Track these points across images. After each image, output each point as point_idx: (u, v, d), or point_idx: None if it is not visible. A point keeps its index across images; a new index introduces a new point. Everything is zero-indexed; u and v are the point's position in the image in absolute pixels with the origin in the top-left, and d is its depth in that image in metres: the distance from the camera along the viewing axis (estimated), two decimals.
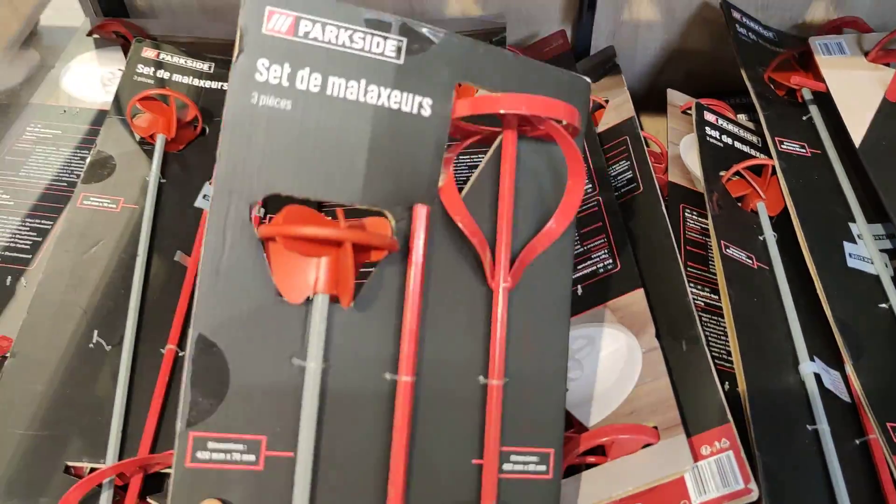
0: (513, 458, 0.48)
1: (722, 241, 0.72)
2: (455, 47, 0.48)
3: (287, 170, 0.45)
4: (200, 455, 0.41)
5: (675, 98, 0.95)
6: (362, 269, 0.46)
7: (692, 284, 0.70)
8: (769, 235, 0.75)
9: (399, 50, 0.47)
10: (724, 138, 0.86)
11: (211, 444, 0.41)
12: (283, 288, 0.44)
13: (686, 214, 0.80)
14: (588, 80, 0.55)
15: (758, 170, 0.81)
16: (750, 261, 0.73)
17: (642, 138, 0.82)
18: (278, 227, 0.43)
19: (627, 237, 0.71)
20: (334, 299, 0.44)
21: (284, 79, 0.44)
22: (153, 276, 0.69)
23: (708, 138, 0.85)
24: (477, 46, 0.49)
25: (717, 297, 0.73)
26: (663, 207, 0.73)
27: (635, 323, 0.62)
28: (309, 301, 0.44)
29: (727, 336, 0.69)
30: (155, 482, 0.61)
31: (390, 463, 0.44)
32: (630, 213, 0.75)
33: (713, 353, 0.63)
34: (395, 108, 0.47)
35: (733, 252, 0.72)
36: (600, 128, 0.86)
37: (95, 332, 0.64)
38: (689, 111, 0.93)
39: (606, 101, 0.90)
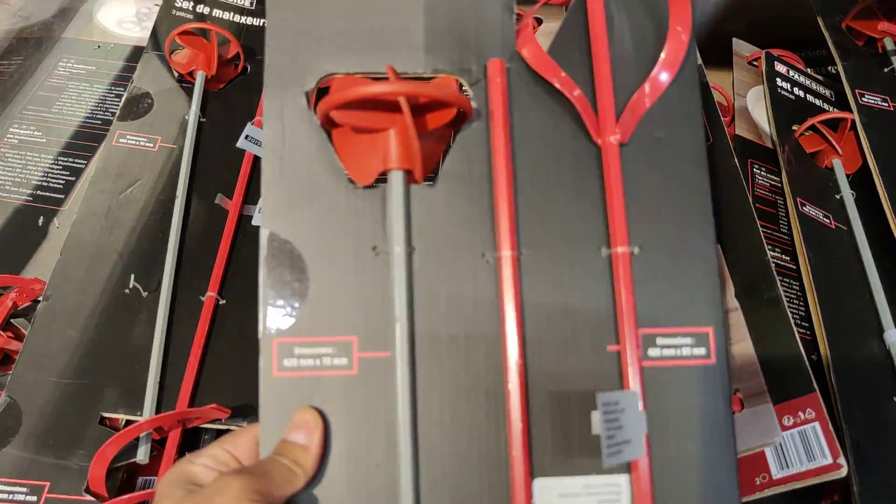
0: (659, 341, 0.39)
1: (798, 199, 0.67)
2: None
3: (338, 48, 0.41)
4: (287, 363, 0.38)
5: (742, 48, 0.89)
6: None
7: None
8: (847, 194, 0.70)
9: None
10: (796, 91, 0.80)
11: (298, 350, 0.38)
12: (351, 171, 0.40)
13: (754, 170, 0.75)
14: None
15: (833, 125, 0.76)
16: (827, 220, 0.68)
17: (709, 83, 0.77)
18: (329, 98, 0.38)
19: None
20: (411, 180, 0.40)
21: None
22: (192, 219, 0.65)
23: (778, 90, 0.79)
24: None
25: (788, 258, 0.68)
26: (735, 161, 0.68)
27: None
28: (383, 183, 0.40)
29: (801, 300, 0.64)
30: (193, 438, 0.58)
31: (504, 354, 0.38)
32: None
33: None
34: None
35: (810, 210, 0.67)
36: None
37: (132, 276, 0.61)
38: (755, 62, 0.87)
39: None
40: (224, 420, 0.55)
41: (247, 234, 0.65)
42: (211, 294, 0.61)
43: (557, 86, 0.41)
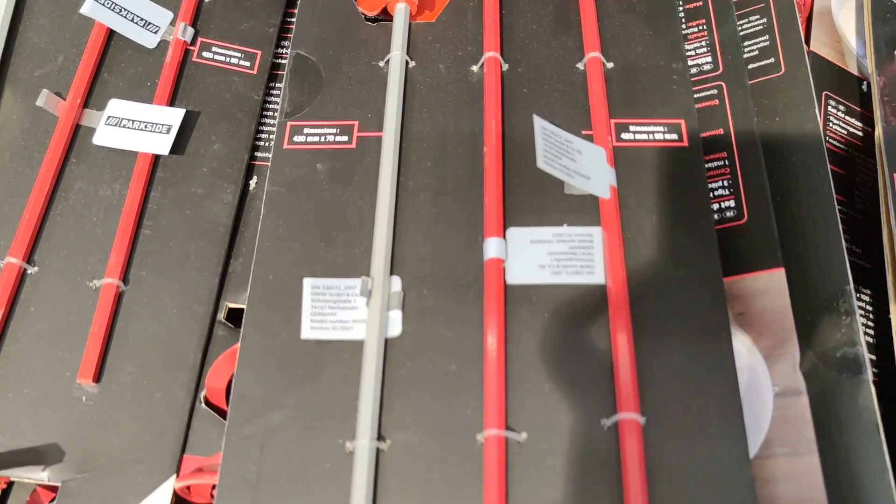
0: (632, 128, 0.43)
1: (895, 175, 0.47)
2: None
3: None
4: (297, 139, 0.43)
5: None
6: None
7: None
8: None
9: None
10: None
11: (307, 130, 0.44)
12: (363, 4, 0.48)
13: (829, 109, 0.53)
14: None
15: None
16: None
17: None
18: None
19: (762, 158, 0.44)
20: (414, 17, 0.48)
21: None
22: None
23: None
24: None
25: (861, 249, 0.49)
26: (818, 113, 0.46)
27: (767, 330, 0.38)
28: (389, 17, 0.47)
29: (878, 311, 0.46)
30: None
31: (485, 133, 0.42)
32: (763, 110, 0.48)
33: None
34: None
35: None
36: None
37: None
38: None
39: None
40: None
41: (85, 158, 0.43)
42: (14, 261, 0.40)
43: None
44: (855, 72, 0.56)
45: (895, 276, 0.43)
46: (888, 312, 0.44)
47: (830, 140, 0.52)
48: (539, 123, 0.39)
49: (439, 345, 0.36)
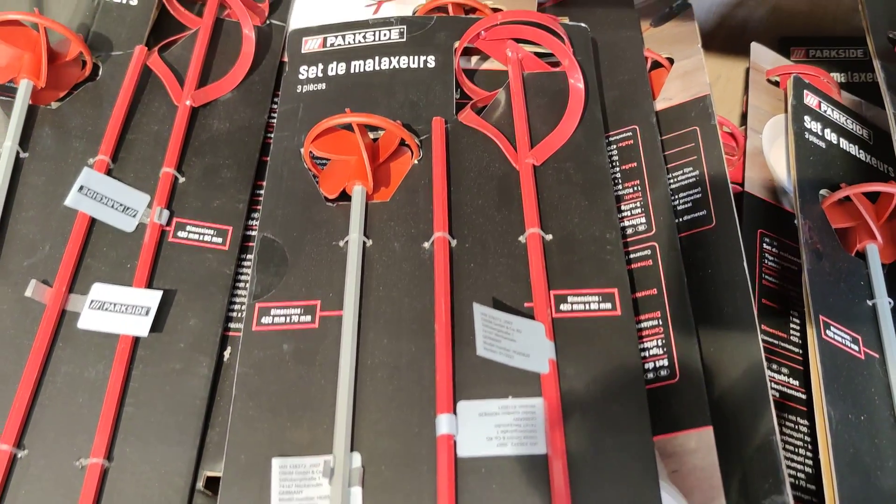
0: (570, 299, 0.47)
1: (821, 317, 0.50)
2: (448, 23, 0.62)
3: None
4: (265, 320, 0.47)
5: (761, 57, 0.69)
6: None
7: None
8: (883, 303, 0.53)
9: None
10: (828, 134, 0.62)
11: (274, 311, 0.48)
12: (324, 188, 0.53)
13: (763, 246, 0.57)
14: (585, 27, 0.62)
15: (873, 196, 0.58)
16: (856, 347, 0.51)
17: (718, 131, 0.58)
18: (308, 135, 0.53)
19: (692, 317, 0.48)
20: (371, 197, 0.53)
21: (319, 72, 0.60)
22: None
23: (807, 135, 0.61)
24: (463, 21, 0.62)
25: (797, 381, 0.52)
26: (745, 267, 0.50)
27: (698, 488, 0.41)
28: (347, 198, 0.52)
29: (811, 444, 0.49)
30: None
31: (435, 312, 0.46)
32: (695, 262, 0.52)
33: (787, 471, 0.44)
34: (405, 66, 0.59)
35: (834, 334, 0.50)
36: (660, 102, 0.61)
37: None
38: (773, 79, 0.68)
39: (670, 61, 0.65)
40: None
41: (71, 342, 0.47)
42: (5, 447, 0.43)
43: (486, 132, 0.55)
44: (789, 208, 0.60)
45: (823, 433, 0.46)
46: None
47: (766, 277, 0.56)
48: (479, 311, 0.43)
49: None
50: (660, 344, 0.48)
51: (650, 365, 0.47)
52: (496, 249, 0.49)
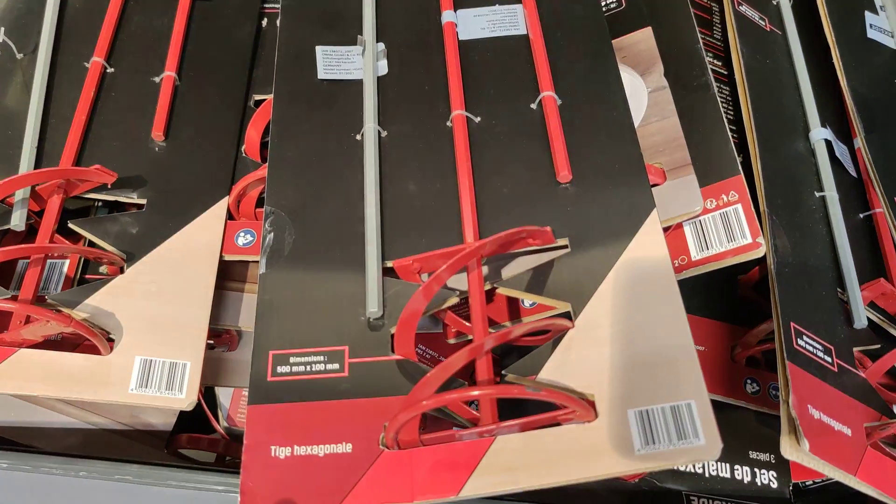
0: None
1: None
2: None
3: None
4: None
5: None
6: None
7: None
8: None
9: None
10: None
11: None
12: None
13: None
14: None
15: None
16: (763, 22, 0.65)
17: None
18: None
19: None
20: None
21: None
22: None
23: None
24: None
25: (721, 63, 0.66)
26: None
27: (641, 62, 0.54)
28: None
29: (732, 103, 0.62)
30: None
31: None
32: None
33: None
34: None
35: (746, 10, 0.64)
36: None
37: (1, 29, 0.54)
38: None
39: None
40: (110, 186, 0.50)
41: None
42: (97, 60, 0.54)
43: None
44: None
45: (740, 75, 0.60)
46: None
47: None
48: None
49: (414, 80, 0.52)
50: None
51: None
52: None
